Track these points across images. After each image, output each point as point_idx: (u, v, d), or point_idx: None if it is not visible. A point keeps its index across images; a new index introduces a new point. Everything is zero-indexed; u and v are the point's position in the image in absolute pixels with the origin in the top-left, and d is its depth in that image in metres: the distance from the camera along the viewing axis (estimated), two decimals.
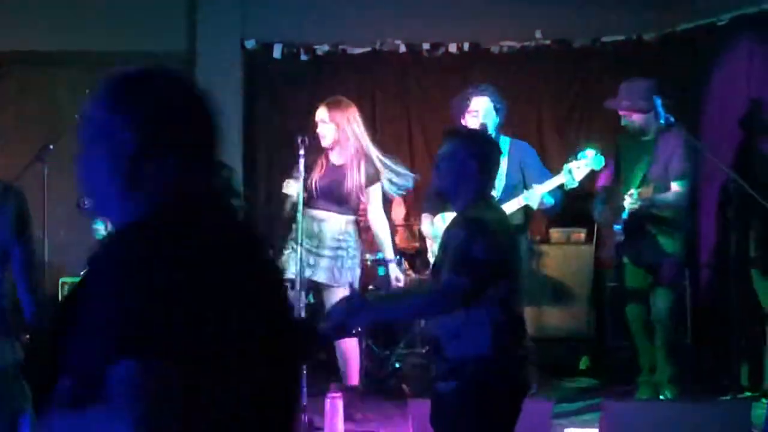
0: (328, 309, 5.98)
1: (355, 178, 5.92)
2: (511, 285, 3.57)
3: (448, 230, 3.70)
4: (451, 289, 3.47)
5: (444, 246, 3.66)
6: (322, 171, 5.94)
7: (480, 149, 3.67)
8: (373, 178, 5.99)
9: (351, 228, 6.08)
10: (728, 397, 6.14)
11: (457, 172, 3.61)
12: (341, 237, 6.01)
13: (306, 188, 5.85)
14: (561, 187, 5.81)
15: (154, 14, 7.89)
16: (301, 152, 5.70)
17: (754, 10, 6.79)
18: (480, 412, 3.49)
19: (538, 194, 5.72)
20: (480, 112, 5.88)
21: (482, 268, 3.42)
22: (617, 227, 6.04)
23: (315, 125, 5.96)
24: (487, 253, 3.43)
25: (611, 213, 6.11)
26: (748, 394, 6.40)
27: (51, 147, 5.26)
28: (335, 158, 5.96)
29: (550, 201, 5.83)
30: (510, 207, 5.61)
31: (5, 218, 3.30)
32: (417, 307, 3.74)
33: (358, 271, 6.12)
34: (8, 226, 3.32)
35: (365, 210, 6.12)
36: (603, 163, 5.86)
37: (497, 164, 3.76)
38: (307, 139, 5.75)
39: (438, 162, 3.69)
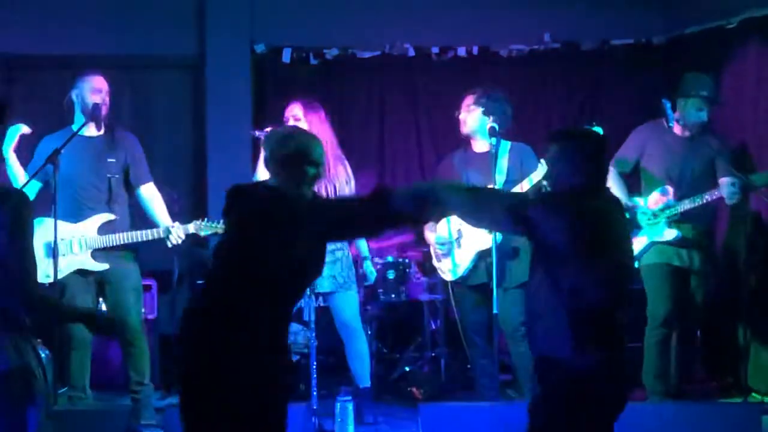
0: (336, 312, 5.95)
1: (332, 179, 5.88)
2: (579, 274, 3.48)
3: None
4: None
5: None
6: None
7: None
8: (347, 178, 5.97)
9: None
10: (739, 400, 6.12)
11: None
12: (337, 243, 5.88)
13: None
14: None
15: (164, 18, 7.91)
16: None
17: (763, 14, 6.77)
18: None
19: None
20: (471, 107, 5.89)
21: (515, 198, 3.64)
22: (677, 233, 6.02)
23: (286, 121, 5.91)
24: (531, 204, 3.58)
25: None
26: (756, 396, 6.40)
27: (63, 151, 5.27)
28: None
29: None
30: (523, 187, 5.67)
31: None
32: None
33: (353, 271, 6.06)
34: (3, 233, 3.22)
35: None
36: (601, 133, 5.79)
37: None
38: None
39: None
